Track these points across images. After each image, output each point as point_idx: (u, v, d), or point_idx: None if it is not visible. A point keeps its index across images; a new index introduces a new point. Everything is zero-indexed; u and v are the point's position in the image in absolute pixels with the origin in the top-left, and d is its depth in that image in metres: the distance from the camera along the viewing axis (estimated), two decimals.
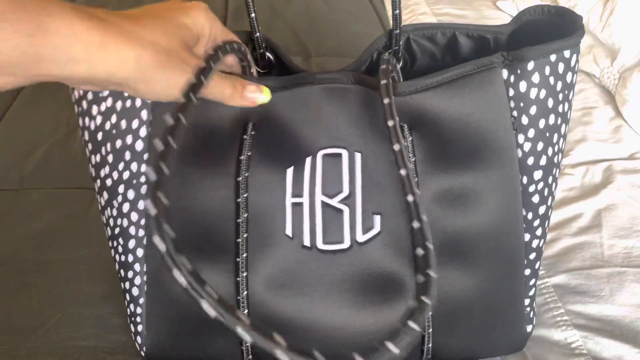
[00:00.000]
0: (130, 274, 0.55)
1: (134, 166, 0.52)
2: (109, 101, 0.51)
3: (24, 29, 0.34)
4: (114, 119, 0.51)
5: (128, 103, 0.51)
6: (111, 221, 0.54)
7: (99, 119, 0.51)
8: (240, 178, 0.50)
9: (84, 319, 0.64)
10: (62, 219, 0.76)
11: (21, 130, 0.92)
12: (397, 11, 0.52)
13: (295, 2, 1.28)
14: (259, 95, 0.47)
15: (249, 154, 0.50)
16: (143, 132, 0.51)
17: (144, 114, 0.51)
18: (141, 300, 0.55)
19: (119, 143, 0.52)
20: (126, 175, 0.52)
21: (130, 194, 0.53)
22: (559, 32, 0.53)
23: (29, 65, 0.35)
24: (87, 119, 0.52)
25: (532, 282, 0.58)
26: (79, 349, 0.61)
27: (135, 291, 0.55)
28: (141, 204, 0.53)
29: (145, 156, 0.52)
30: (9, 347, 0.61)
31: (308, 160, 0.52)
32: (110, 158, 0.52)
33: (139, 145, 0.52)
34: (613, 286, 0.66)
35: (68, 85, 0.53)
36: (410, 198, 0.43)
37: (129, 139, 0.52)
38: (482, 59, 0.51)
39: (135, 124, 0.51)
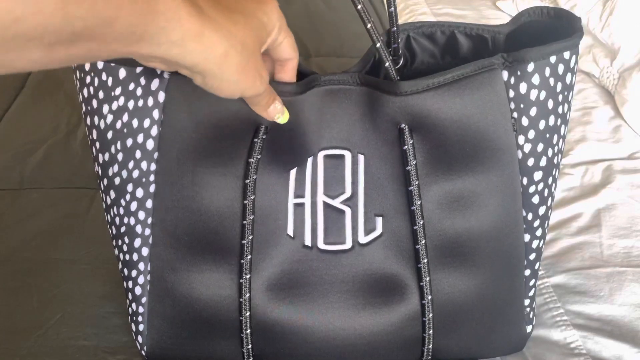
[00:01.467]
0: (134, 273, 0.55)
1: (144, 165, 0.52)
2: (121, 100, 0.51)
3: (139, 7, 0.34)
4: (125, 117, 0.51)
5: (140, 102, 0.51)
6: (117, 220, 0.54)
7: (109, 118, 0.52)
8: (248, 180, 0.51)
9: (84, 319, 0.64)
10: (62, 219, 0.76)
11: (21, 130, 0.92)
12: (392, 9, 0.53)
13: (295, 2, 1.28)
14: (280, 115, 0.49)
15: (258, 157, 0.51)
16: (154, 131, 0.52)
17: (156, 114, 0.51)
18: (143, 300, 0.55)
19: (129, 142, 0.52)
20: (136, 173, 0.52)
21: (139, 193, 0.53)
22: (558, 33, 0.53)
23: (128, 41, 0.35)
24: (96, 118, 0.52)
25: (531, 282, 0.58)
26: (79, 348, 0.61)
27: (138, 290, 0.55)
28: (149, 203, 0.53)
29: (156, 155, 0.52)
30: (9, 347, 0.61)
31: (309, 160, 0.53)
32: (120, 156, 0.52)
33: (150, 144, 0.52)
34: (612, 286, 0.67)
35: (71, 84, 0.53)
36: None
37: (140, 138, 0.52)
38: (482, 61, 0.51)
39: (146, 123, 0.52)
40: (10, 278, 0.68)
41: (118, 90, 0.51)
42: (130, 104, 0.51)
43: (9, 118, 0.94)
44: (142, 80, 0.51)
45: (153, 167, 0.52)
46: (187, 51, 0.37)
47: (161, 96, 0.51)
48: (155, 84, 0.51)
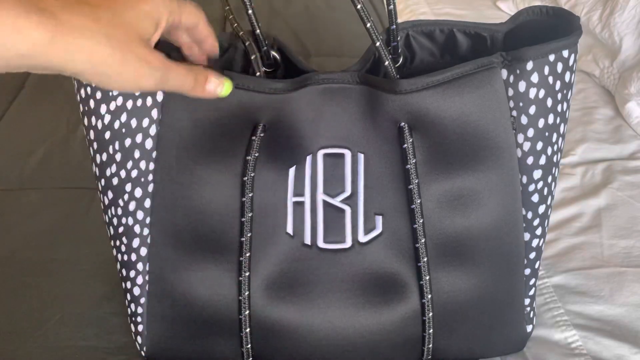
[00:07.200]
0: (132, 274, 0.55)
1: (142, 164, 0.52)
2: (119, 100, 0.51)
3: None
4: (123, 117, 0.51)
5: (139, 102, 0.51)
6: (115, 220, 0.54)
7: (107, 118, 0.52)
8: (246, 178, 0.51)
9: (84, 319, 0.64)
10: (62, 219, 0.76)
11: (21, 130, 0.92)
12: (391, 7, 0.52)
13: (295, 2, 1.28)
14: (220, 88, 0.47)
15: (256, 155, 0.51)
16: (153, 130, 0.52)
17: (154, 113, 0.52)
18: (142, 300, 0.55)
19: (128, 141, 0.52)
20: (134, 173, 0.52)
21: (138, 192, 0.53)
22: (556, 32, 0.53)
23: None
24: (93, 118, 0.52)
25: (532, 281, 0.58)
26: (79, 349, 0.61)
27: (136, 291, 0.55)
28: (147, 202, 0.53)
29: (154, 154, 0.52)
30: (9, 347, 0.61)
31: (308, 159, 0.53)
32: (118, 156, 0.52)
33: (149, 144, 0.52)
34: (613, 286, 0.67)
35: (70, 84, 0.53)
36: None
37: (138, 138, 0.52)
38: (481, 59, 0.51)
39: (145, 122, 0.52)
40: (10, 278, 0.68)
41: (116, 91, 0.51)
42: (129, 104, 0.51)
43: (8, 118, 0.94)
44: None
45: (152, 166, 0.52)
46: (45, 59, 0.37)
47: (159, 95, 0.51)
48: None
